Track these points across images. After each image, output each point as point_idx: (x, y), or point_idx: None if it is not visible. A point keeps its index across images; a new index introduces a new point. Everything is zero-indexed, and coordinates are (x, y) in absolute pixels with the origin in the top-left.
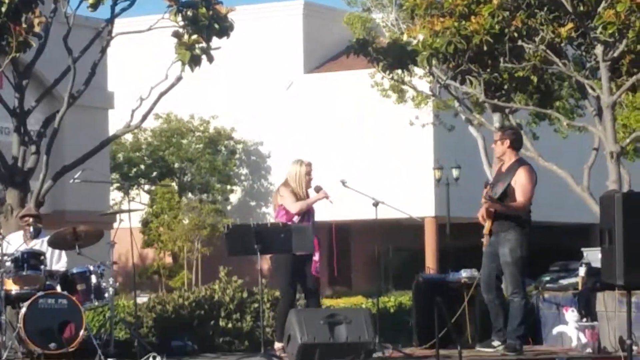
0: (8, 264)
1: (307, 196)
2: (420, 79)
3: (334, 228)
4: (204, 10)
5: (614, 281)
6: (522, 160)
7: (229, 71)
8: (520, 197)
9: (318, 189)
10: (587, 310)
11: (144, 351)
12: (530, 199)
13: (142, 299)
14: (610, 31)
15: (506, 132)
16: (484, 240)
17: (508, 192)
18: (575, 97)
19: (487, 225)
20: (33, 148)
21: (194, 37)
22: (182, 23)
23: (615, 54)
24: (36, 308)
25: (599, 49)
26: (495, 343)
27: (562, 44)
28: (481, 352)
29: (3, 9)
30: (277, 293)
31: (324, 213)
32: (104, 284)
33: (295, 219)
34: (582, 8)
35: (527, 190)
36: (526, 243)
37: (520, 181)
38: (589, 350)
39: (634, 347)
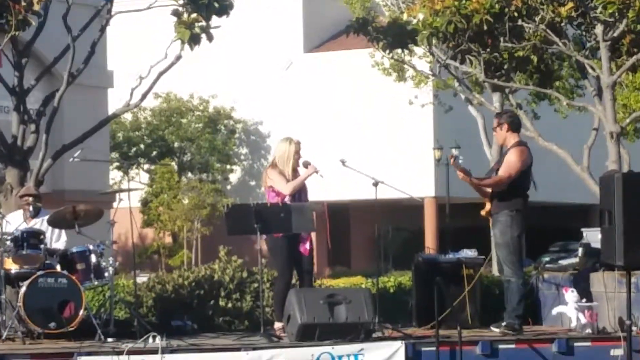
0: (8, 243)
1: (297, 174)
2: (420, 59)
3: (326, 207)
4: None
5: (613, 262)
6: (521, 142)
7: (228, 50)
8: (502, 171)
9: (307, 164)
10: (585, 291)
11: (143, 331)
12: (511, 176)
13: (141, 279)
14: (610, 11)
15: (502, 117)
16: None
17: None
18: (575, 77)
19: (487, 207)
20: (32, 127)
21: (194, 15)
22: (181, 2)
23: (616, 34)
24: (36, 287)
25: (599, 29)
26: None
27: (562, 24)
28: (484, 331)
29: None
30: (277, 273)
31: (322, 193)
32: (103, 264)
33: (287, 199)
34: None
35: (511, 167)
36: (517, 224)
37: (508, 158)
38: (588, 330)
39: (634, 328)
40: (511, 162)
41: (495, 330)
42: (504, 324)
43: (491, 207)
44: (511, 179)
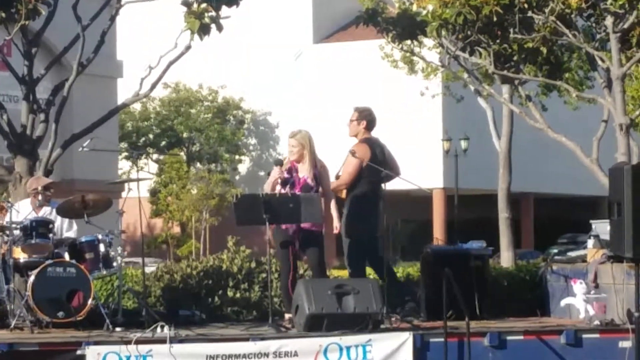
0: (17, 232)
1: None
2: (429, 50)
3: (320, 199)
4: None
5: (622, 253)
6: (365, 139)
7: (238, 41)
8: (342, 172)
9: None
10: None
11: (151, 320)
12: (350, 176)
13: (150, 269)
14: (620, 2)
15: (363, 113)
16: None
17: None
18: (585, 69)
19: (344, 194)
20: (42, 116)
21: (204, 5)
22: None
23: (626, 26)
24: (45, 276)
25: (609, 20)
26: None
27: (572, 15)
28: (492, 323)
29: None
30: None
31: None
32: (112, 253)
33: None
34: None
35: (348, 167)
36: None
37: (347, 158)
38: (596, 322)
39: None
40: (346, 164)
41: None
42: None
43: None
44: (352, 176)
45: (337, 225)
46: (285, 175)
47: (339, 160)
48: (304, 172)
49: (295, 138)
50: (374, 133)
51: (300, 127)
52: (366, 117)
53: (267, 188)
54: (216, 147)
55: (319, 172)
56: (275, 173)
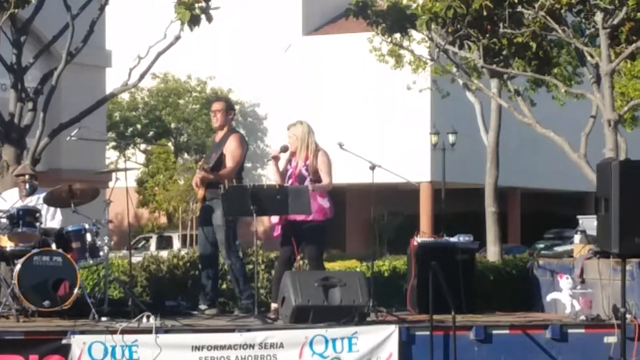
0: (3, 220)
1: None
2: (418, 44)
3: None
4: None
5: (609, 249)
6: (233, 129)
7: (227, 32)
8: (229, 162)
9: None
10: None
11: (137, 310)
12: (237, 165)
13: (136, 259)
14: None
15: (229, 104)
16: (197, 206)
17: (221, 160)
18: (574, 65)
19: (200, 192)
20: (30, 105)
21: None
22: None
23: (615, 22)
24: (31, 265)
25: (598, 16)
26: (202, 307)
27: (562, 11)
28: (478, 317)
29: None
30: (272, 255)
31: None
32: (98, 243)
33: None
34: None
35: (236, 156)
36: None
37: (230, 148)
38: (582, 317)
39: (627, 315)
40: (234, 151)
41: (202, 308)
42: (202, 307)
43: (209, 192)
44: (238, 166)
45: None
46: (288, 166)
47: (328, 152)
48: (299, 163)
49: (290, 130)
50: (359, 124)
51: (288, 119)
52: (233, 108)
53: (276, 179)
54: (204, 138)
55: (317, 160)
56: (277, 161)
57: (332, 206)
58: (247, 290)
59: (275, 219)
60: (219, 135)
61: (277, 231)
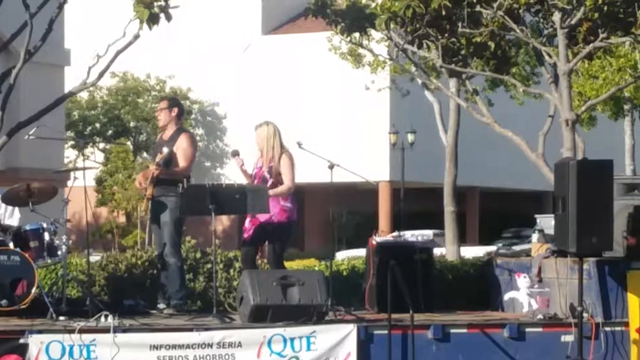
0: None
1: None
2: (377, 43)
3: (268, 190)
4: None
5: (566, 248)
6: (182, 128)
7: (186, 31)
8: (182, 161)
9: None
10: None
11: (95, 310)
12: (191, 163)
13: (94, 258)
14: None
15: (173, 101)
16: (144, 205)
17: (172, 159)
18: (532, 64)
19: (150, 190)
20: None
21: None
22: None
23: (573, 22)
24: None
25: (556, 16)
26: (161, 306)
27: (520, 10)
28: (436, 316)
29: None
30: (231, 254)
31: None
32: (57, 242)
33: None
34: None
35: (189, 154)
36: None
37: (182, 146)
38: (540, 316)
39: (584, 314)
40: (186, 149)
41: (161, 307)
42: (161, 306)
43: (157, 190)
44: (191, 164)
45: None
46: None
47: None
48: (263, 164)
49: (256, 131)
50: (318, 123)
51: (248, 118)
52: (177, 105)
53: (247, 181)
54: None
55: (280, 162)
56: (237, 163)
57: (296, 208)
58: (182, 291)
59: (248, 222)
60: (167, 133)
61: (247, 233)
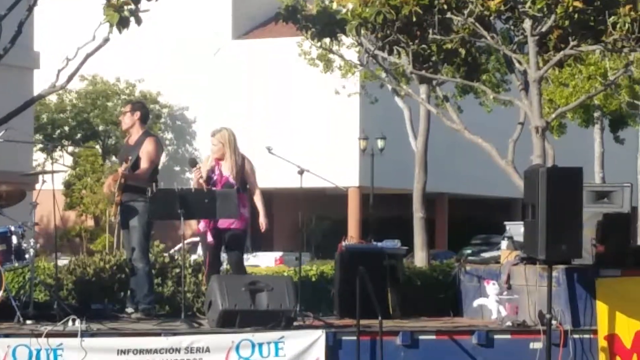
0: None
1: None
2: (348, 49)
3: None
4: None
5: (535, 255)
6: (148, 132)
7: (156, 35)
8: (144, 163)
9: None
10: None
11: (63, 313)
12: (152, 167)
13: (62, 262)
14: (539, 6)
15: (136, 105)
16: (113, 210)
17: (137, 164)
18: (502, 71)
19: (118, 197)
20: None
21: None
22: None
23: (544, 29)
24: None
25: (527, 24)
26: (129, 310)
27: (491, 18)
28: (405, 322)
29: None
30: (200, 259)
31: None
32: (24, 245)
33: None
34: None
35: (152, 157)
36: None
37: (146, 150)
38: (508, 323)
39: (553, 322)
40: (150, 153)
41: (129, 311)
42: (129, 310)
43: (125, 196)
44: (152, 168)
45: (262, 221)
46: (211, 174)
47: (256, 156)
48: (226, 170)
49: (215, 137)
50: (288, 128)
51: (217, 122)
52: (140, 109)
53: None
54: None
55: (244, 168)
56: (195, 175)
57: (250, 216)
58: (150, 296)
59: (202, 226)
60: (133, 138)
61: (210, 237)
